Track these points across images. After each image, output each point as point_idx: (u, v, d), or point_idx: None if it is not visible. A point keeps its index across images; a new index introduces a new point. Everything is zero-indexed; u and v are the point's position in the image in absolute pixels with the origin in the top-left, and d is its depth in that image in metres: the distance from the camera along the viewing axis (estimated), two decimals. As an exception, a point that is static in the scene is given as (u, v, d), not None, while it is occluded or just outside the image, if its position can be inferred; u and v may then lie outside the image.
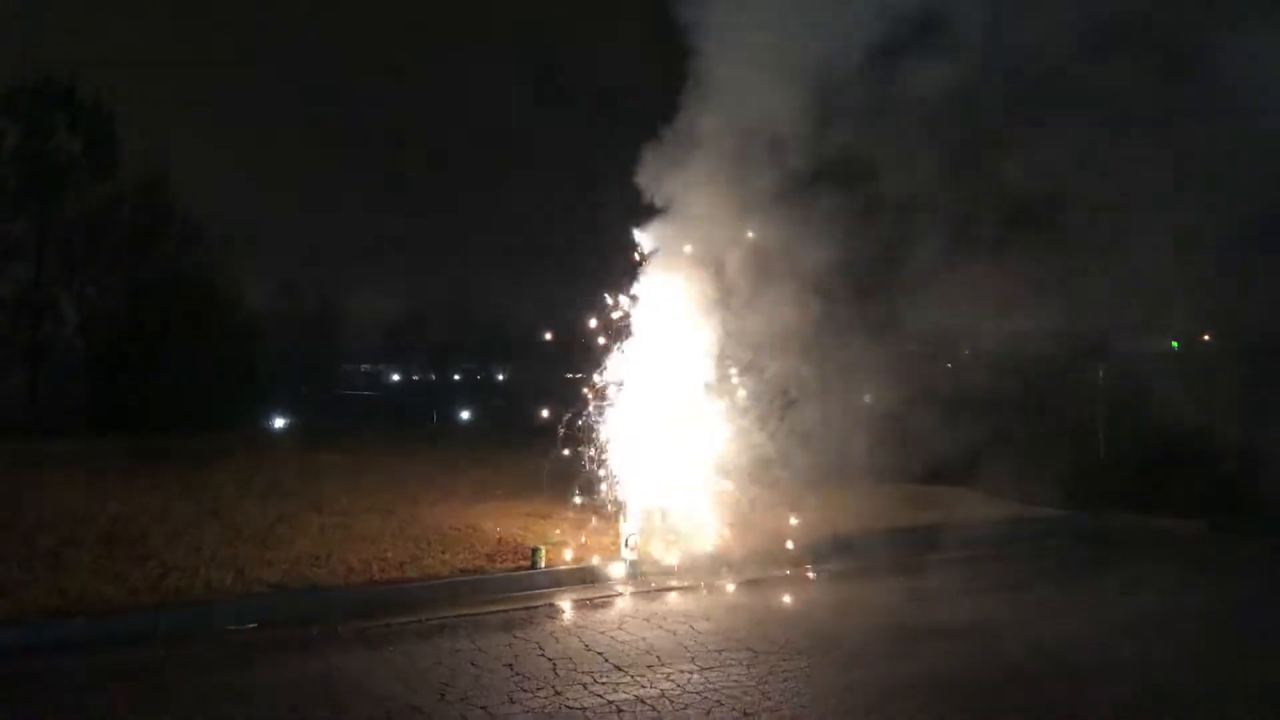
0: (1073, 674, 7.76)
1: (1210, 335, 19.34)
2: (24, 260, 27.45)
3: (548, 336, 13.91)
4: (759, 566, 11.09)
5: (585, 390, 11.63)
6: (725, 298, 11.67)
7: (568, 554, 10.98)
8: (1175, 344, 20.30)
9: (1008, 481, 15.67)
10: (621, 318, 11.72)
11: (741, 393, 11.75)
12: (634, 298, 11.68)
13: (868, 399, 14.78)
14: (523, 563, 10.53)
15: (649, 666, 7.62)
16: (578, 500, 11.76)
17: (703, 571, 10.84)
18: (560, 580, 10.34)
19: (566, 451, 11.63)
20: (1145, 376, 16.26)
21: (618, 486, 11.42)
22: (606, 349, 11.68)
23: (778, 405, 11.80)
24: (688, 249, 11.63)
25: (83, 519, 11.85)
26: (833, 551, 11.87)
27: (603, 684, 7.21)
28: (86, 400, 26.22)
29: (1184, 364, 18.92)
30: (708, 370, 11.61)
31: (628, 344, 11.60)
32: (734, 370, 11.76)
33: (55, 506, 12.58)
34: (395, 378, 65.35)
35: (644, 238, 11.76)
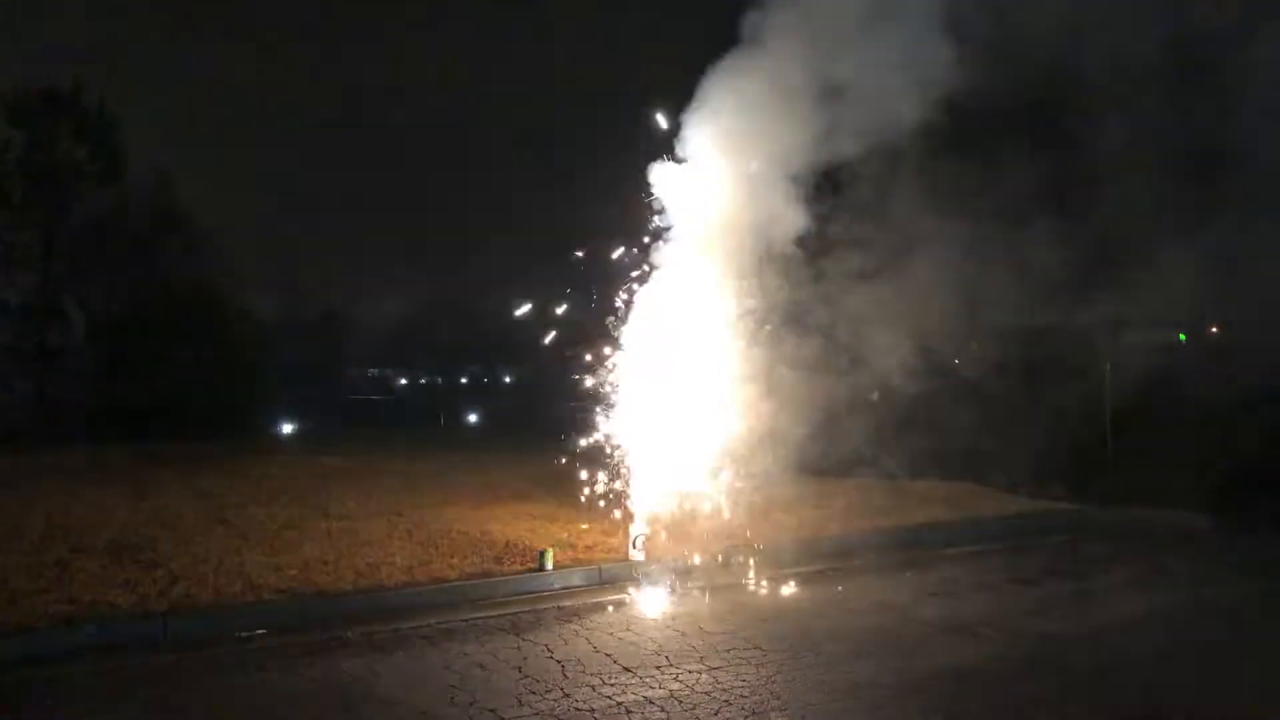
0: (1084, 671, 7.73)
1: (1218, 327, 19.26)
2: (30, 268, 27.54)
3: (526, 308, 12.56)
4: (768, 565, 11.05)
5: (592, 389, 11.59)
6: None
7: (575, 556, 10.97)
8: (1183, 336, 20.20)
9: (1015, 476, 15.65)
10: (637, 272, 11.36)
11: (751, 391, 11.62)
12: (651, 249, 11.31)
13: (875, 396, 14.75)
14: (530, 565, 10.53)
15: (658, 667, 7.61)
16: (585, 500, 11.75)
17: (711, 571, 10.81)
18: (568, 582, 10.34)
19: (574, 452, 11.62)
20: (1153, 368, 16.20)
21: (626, 487, 11.40)
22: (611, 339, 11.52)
23: (785, 403, 11.73)
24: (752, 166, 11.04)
25: (91, 527, 11.88)
26: (842, 549, 11.85)
27: (611, 685, 7.20)
28: (93, 407, 26.26)
29: (1192, 355, 18.84)
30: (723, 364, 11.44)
31: (635, 325, 11.37)
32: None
33: (64, 514, 12.61)
34: (403, 381, 65.37)
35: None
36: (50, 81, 27.71)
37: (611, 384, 11.50)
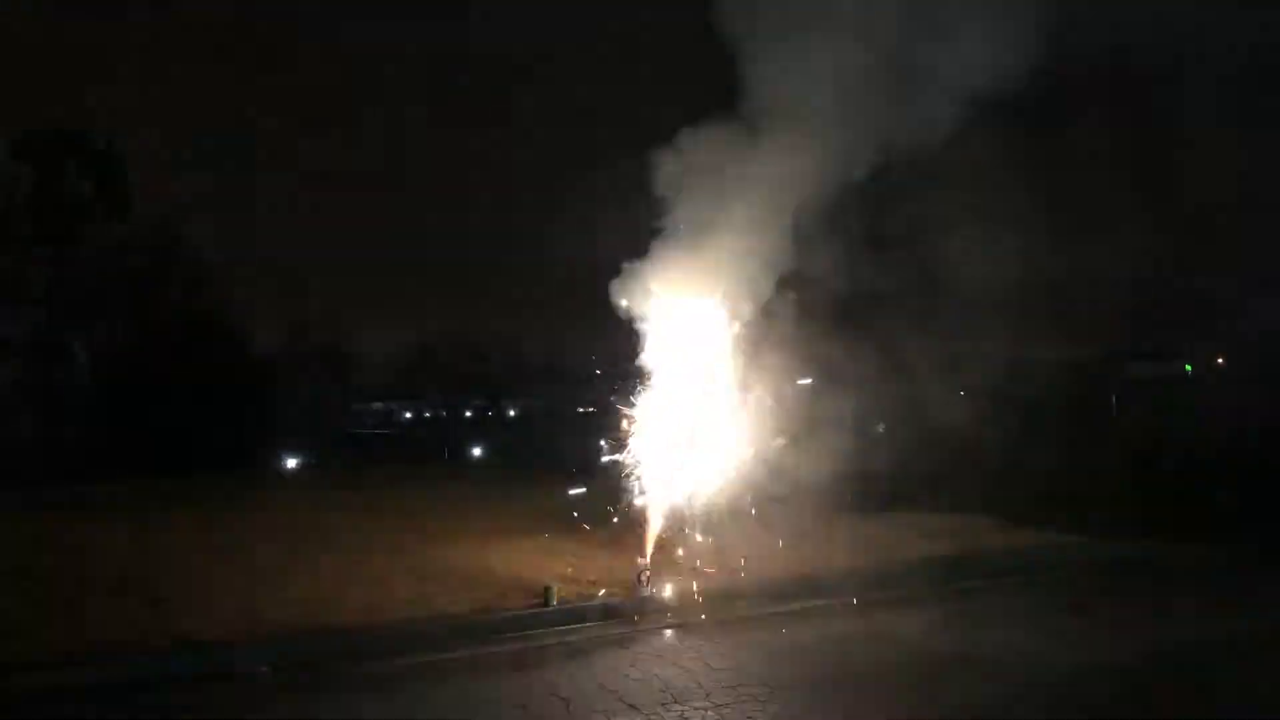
0: (1105, 706, 7.64)
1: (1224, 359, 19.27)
2: (37, 304, 27.64)
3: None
4: (775, 600, 10.97)
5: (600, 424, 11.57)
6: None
7: (580, 591, 10.90)
8: (1189, 367, 20.18)
9: (1021, 509, 15.57)
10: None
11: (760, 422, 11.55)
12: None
13: (881, 429, 14.72)
14: (535, 600, 10.44)
15: (663, 705, 7.53)
16: (589, 532, 11.70)
17: (717, 606, 10.71)
18: (573, 617, 10.24)
19: (580, 486, 11.59)
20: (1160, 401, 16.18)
21: (633, 521, 11.34)
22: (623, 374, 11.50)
23: (793, 435, 11.67)
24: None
25: (95, 563, 11.83)
26: (850, 583, 11.72)
27: (617, 723, 7.13)
28: (98, 443, 26.27)
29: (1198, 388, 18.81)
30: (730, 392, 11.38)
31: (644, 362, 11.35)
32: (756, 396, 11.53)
33: (67, 551, 12.56)
34: (407, 415, 65.41)
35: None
36: (59, 118, 28.05)
37: (623, 413, 11.48)
